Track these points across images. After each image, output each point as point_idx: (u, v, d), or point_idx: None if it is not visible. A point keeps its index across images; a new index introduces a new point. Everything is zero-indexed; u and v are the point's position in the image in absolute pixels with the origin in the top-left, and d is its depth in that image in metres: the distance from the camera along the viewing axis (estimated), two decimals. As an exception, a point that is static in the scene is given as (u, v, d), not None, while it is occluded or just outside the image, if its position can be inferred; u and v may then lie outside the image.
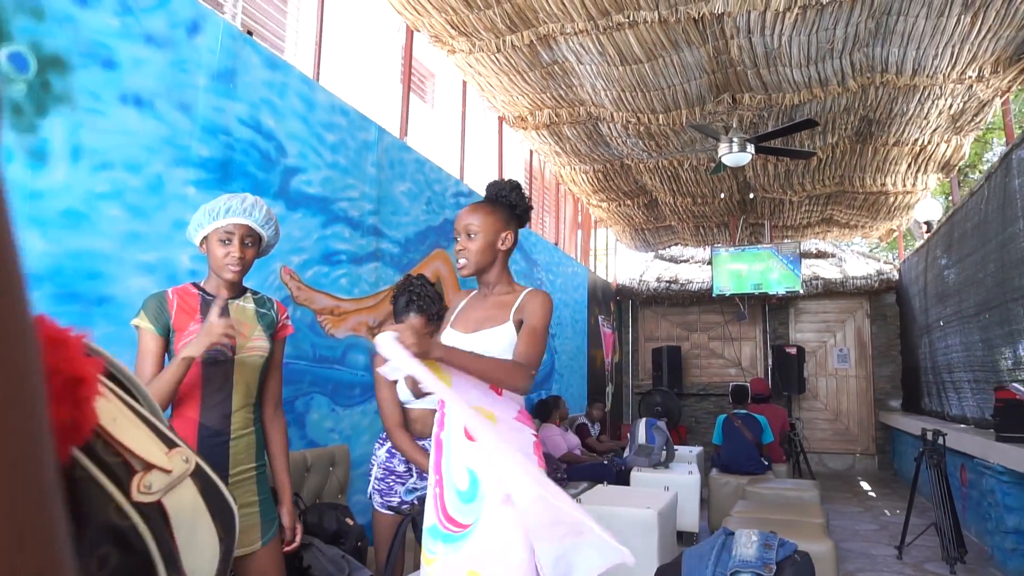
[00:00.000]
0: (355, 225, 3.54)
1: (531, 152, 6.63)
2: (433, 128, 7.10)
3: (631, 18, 3.91)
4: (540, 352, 1.76)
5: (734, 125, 5.26)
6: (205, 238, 1.87)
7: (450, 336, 1.87)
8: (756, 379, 6.59)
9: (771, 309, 9.54)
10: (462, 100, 5.24)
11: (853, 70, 4.54)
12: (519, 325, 1.82)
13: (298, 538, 2.02)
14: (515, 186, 1.92)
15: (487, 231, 1.86)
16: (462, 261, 1.86)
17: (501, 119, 5.80)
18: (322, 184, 3.27)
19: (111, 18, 2.20)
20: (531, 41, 4.21)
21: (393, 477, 2.42)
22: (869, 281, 9.03)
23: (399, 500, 2.43)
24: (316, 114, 3.25)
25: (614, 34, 4.12)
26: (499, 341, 1.77)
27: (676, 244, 9.76)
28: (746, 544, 1.89)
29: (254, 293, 1.99)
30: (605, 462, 5.59)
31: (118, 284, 2.18)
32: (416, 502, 2.38)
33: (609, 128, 5.66)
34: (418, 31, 4.22)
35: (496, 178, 1.98)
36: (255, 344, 1.89)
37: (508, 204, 1.90)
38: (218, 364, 1.81)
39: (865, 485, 7.75)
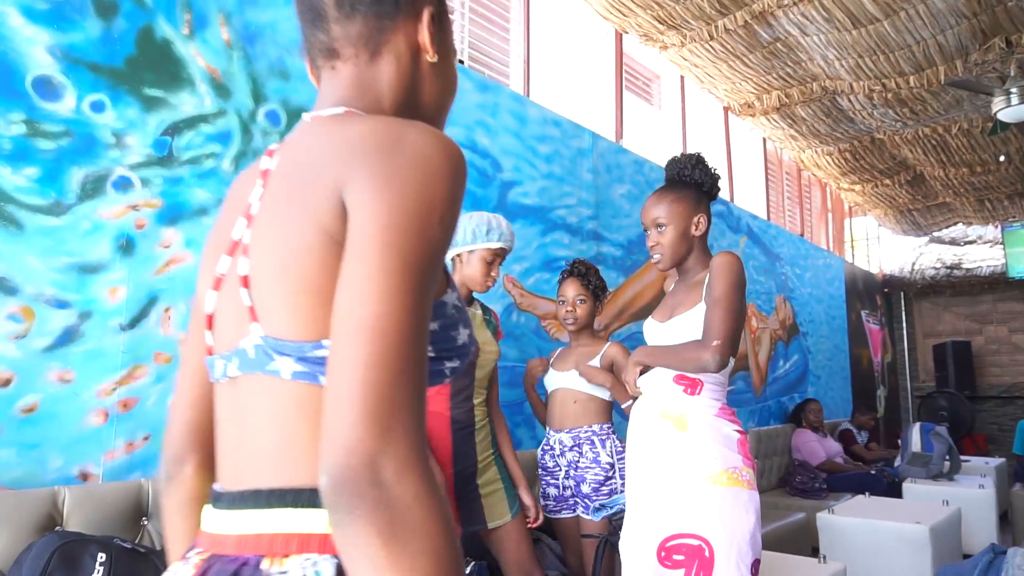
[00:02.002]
0: (574, 231, 3.63)
1: (763, 140, 6.22)
2: (662, 129, 7.00)
3: (859, -28, 3.50)
4: (725, 320, 1.61)
5: (1012, 73, 4.42)
6: (468, 252, 2.07)
7: (649, 325, 1.84)
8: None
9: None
10: (680, 95, 5.11)
11: None
12: None
13: (540, 515, 2.22)
14: (698, 161, 1.82)
15: (677, 220, 1.79)
16: (656, 256, 1.81)
17: (726, 109, 5.54)
18: (539, 194, 3.41)
19: (342, 69, 2.53)
20: (745, 21, 3.97)
21: (548, 477, 2.45)
22: None
23: (560, 503, 2.42)
24: (529, 128, 3.40)
25: (840, -5, 3.72)
26: (692, 326, 1.68)
27: (955, 223, 8.38)
28: (1021, 565, 1.55)
29: (478, 301, 2.21)
30: (872, 471, 4.99)
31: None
32: (608, 521, 2.33)
33: (850, 101, 5.10)
34: (626, 33, 4.22)
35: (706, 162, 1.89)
36: (489, 348, 2.13)
37: (694, 183, 1.80)
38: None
39: None
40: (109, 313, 1.87)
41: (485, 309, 2.22)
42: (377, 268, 0.51)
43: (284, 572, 0.53)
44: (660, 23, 4.02)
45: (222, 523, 0.60)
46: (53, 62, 1.83)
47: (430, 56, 0.72)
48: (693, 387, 1.67)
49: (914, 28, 4.03)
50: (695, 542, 1.52)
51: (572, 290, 2.49)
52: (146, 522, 1.83)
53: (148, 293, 1.95)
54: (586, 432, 2.38)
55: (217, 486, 0.64)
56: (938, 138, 5.86)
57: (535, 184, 3.41)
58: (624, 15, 3.96)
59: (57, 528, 1.66)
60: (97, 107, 1.90)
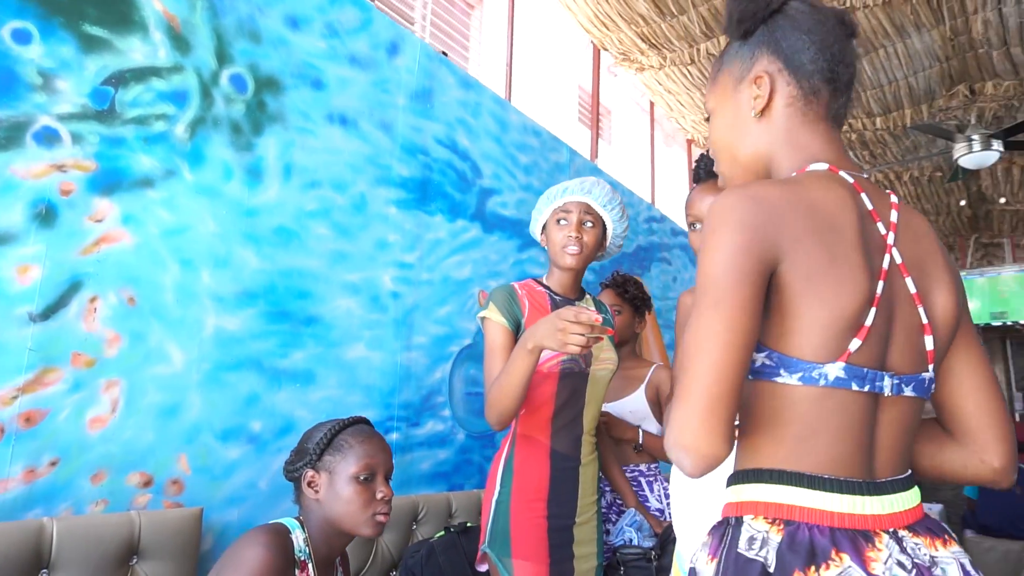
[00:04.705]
0: (549, 249, 3.36)
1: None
2: (613, 161, 6.91)
3: (848, 3, 3.45)
4: None
5: (972, 121, 4.50)
6: (544, 227, 1.75)
7: None
8: (1021, 424, 5.50)
9: (1015, 344, 8.08)
10: (650, 123, 4.99)
11: None
12: None
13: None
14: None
15: None
16: None
17: (690, 141, 5.47)
18: (516, 206, 3.13)
19: (319, 40, 2.20)
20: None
21: None
22: None
23: None
24: (509, 135, 3.14)
25: (825, 27, 3.67)
26: None
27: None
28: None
29: (591, 297, 1.83)
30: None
31: (325, 304, 2.12)
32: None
33: (814, 140, 5.10)
34: (605, 49, 4.05)
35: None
36: (607, 356, 1.70)
37: None
38: (572, 379, 1.61)
39: None
40: (15, 298, 1.45)
41: (600, 305, 1.85)
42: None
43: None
44: (643, 40, 3.87)
45: (895, 503, 0.75)
46: (-35, -25, 1.43)
47: None
48: None
49: (890, 68, 4.03)
50: None
51: (606, 302, 2.20)
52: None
53: (70, 276, 1.54)
54: (631, 472, 2.07)
55: (854, 478, 0.75)
56: (888, 184, 5.97)
57: (514, 195, 3.13)
58: (608, 29, 3.79)
59: (-81, 583, 1.22)
60: (21, 37, 1.50)
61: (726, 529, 0.76)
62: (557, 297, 1.73)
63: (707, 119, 0.96)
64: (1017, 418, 7.77)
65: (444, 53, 2.86)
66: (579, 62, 4.48)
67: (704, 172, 1.61)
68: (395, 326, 2.38)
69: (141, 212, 1.68)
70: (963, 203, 6.09)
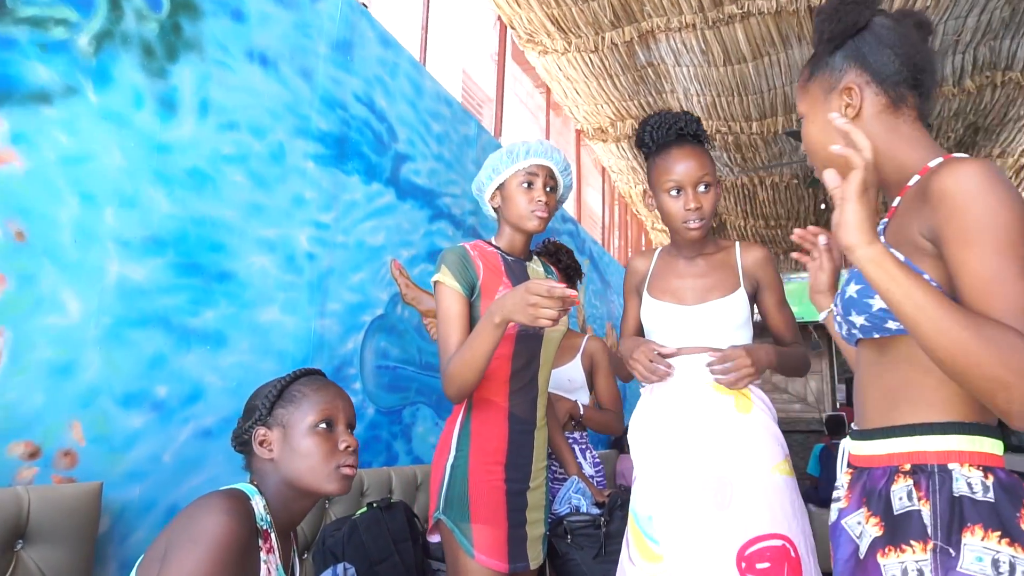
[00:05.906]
0: (457, 224, 3.27)
1: (603, 169, 6.37)
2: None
3: (745, 8, 3.65)
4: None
5: (832, 133, 4.94)
6: (500, 188, 1.65)
7: (667, 309, 1.56)
8: (848, 408, 6.14)
9: (841, 340, 9.04)
10: (546, 110, 5.02)
11: (973, 67, 4.23)
12: (752, 292, 1.53)
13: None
14: (698, 119, 1.67)
15: (716, 183, 1.59)
16: (697, 222, 1.51)
17: (579, 132, 5.57)
18: (428, 176, 3.01)
19: (240, -34, 1.98)
20: (632, 38, 3.97)
21: None
22: (947, 311, 8.52)
23: None
24: (424, 102, 3.01)
25: (722, 29, 3.87)
26: (733, 314, 1.47)
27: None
28: None
29: (538, 258, 1.77)
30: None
31: (239, 260, 1.91)
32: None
33: (694, 139, 5.38)
34: (513, 28, 4.01)
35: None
36: None
37: (702, 143, 1.62)
38: (527, 340, 1.55)
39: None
40: None
41: (547, 267, 1.80)
42: None
43: None
44: (552, 23, 3.87)
45: None
46: None
47: None
48: None
49: (771, 75, 4.33)
50: (778, 542, 1.27)
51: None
52: (-90, 562, 1.13)
53: (-55, 200, 1.26)
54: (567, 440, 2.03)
55: None
56: (751, 188, 6.44)
57: (426, 164, 3.01)
58: (518, 6, 3.75)
59: None
60: None
61: (930, 476, 0.83)
62: (509, 258, 1.68)
63: (797, 122, 1.06)
64: (838, 405, 8.71)
65: (364, 5, 2.69)
66: (467, 48, 4.40)
67: (674, 135, 1.58)
68: (310, 290, 2.19)
69: (35, 132, 1.41)
70: (823, 206, 6.69)
